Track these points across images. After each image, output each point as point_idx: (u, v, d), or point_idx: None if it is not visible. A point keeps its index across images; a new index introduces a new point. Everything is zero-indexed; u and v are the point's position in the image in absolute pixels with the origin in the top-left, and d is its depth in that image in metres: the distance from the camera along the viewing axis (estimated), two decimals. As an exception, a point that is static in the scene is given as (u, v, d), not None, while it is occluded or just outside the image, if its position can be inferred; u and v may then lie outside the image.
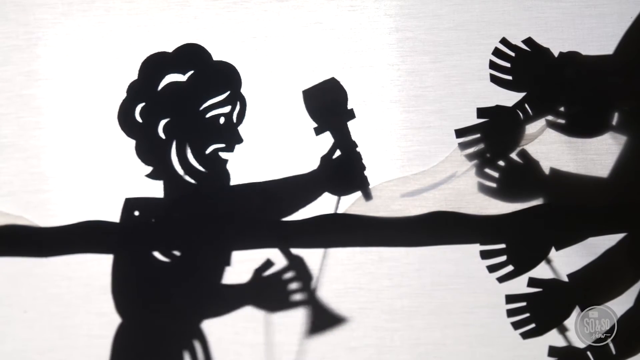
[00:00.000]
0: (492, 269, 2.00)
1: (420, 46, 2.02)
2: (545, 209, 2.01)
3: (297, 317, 2.04)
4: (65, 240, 2.05)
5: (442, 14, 2.02)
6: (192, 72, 2.01)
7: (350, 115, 2.01)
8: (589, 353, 2.00)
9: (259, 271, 2.03)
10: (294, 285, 2.02)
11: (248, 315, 2.04)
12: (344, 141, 2.01)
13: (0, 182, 2.06)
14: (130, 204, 2.02)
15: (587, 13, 2.01)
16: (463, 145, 2.01)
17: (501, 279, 2.00)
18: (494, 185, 2.01)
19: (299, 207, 2.02)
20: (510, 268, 1.99)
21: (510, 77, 2.00)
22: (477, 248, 2.00)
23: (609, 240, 1.99)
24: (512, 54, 2.00)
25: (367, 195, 2.01)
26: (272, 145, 2.04)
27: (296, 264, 2.02)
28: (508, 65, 2.00)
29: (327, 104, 2.01)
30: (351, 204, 2.02)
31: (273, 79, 2.03)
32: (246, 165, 2.03)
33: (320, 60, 2.03)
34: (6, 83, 2.05)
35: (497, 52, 2.00)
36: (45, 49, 2.05)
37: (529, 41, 2.00)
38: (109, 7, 2.04)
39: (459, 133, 2.00)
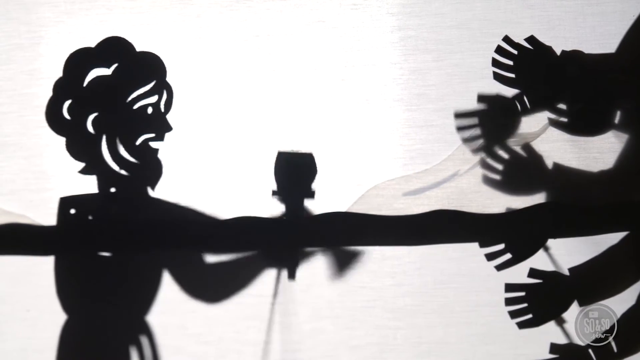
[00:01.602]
0: (490, 257, 2.00)
1: (423, 44, 2.02)
2: (547, 208, 2.01)
3: (300, 316, 2.04)
4: (67, 239, 2.05)
5: (444, 13, 2.02)
6: (116, 64, 2.01)
7: (311, 195, 2.01)
8: (590, 351, 2.00)
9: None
10: None
11: (249, 314, 2.04)
12: (294, 213, 2.01)
13: (3, 180, 2.05)
14: (66, 203, 2.02)
15: (589, 11, 2.01)
16: (460, 130, 2.00)
17: (499, 267, 2.00)
18: (497, 177, 2.01)
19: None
20: (508, 256, 2.00)
21: (512, 75, 2.00)
22: (479, 246, 2.01)
23: (611, 238, 2.00)
24: (515, 52, 2.00)
25: (292, 275, 2.01)
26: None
27: None
28: (511, 63, 2.00)
29: (296, 176, 2.01)
30: (353, 202, 2.02)
31: (275, 78, 2.03)
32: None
33: (322, 59, 2.03)
34: (8, 82, 2.05)
35: (499, 50, 2.01)
36: (48, 47, 2.05)
37: (531, 39, 2.01)
38: (111, 5, 2.04)
39: (458, 115, 2.00)
